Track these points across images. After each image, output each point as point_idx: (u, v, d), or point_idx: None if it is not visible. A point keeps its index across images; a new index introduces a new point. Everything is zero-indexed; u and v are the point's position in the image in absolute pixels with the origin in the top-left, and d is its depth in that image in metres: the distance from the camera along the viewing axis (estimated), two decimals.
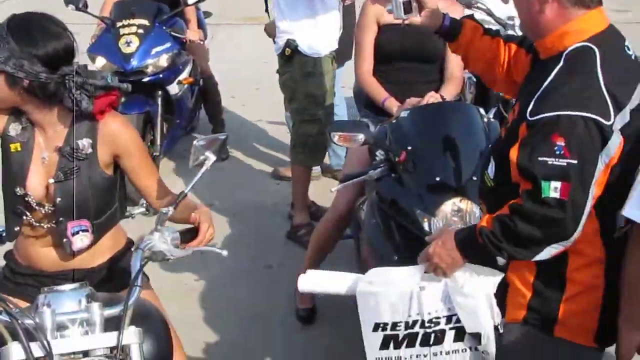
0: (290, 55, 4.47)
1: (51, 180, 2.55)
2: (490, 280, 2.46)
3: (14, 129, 2.57)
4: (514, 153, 2.22)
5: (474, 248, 2.38)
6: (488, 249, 2.31)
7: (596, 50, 2.19)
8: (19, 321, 2.01)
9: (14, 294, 2.56)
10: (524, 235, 2.21)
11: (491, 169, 2.48)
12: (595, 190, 2.16)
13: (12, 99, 2.49)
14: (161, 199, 2.71)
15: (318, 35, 4.31)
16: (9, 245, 2.83)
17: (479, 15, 4.98)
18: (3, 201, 2.68)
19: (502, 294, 2.40)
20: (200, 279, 4.29)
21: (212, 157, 2.51)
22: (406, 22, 2.80)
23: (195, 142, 2.51)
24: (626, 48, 2.32)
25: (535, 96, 2.21)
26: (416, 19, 2.75)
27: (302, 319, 3.99)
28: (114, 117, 2.66)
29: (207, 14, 6.33)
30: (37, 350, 2.01)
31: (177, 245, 2.35)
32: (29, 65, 2.40)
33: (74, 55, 2.49)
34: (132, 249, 2.60)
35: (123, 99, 5.07)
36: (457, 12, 3.93)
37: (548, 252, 2.24)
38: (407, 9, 2.72)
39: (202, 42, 5.88)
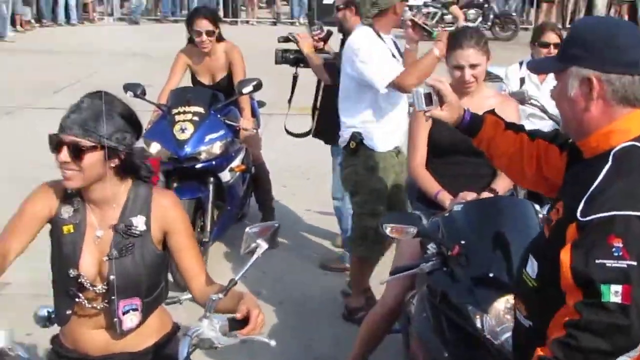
0: (355, 149, 4.60)
1: (105, 258, 2.56)
2: None
3: (66, 212, 2.60)
4: (565, 256, 2.16)
5: None
6: None
7: None
8: None
9: None
10: (589, 351, 2.13)
11: (531, 269, 2.44)
12: None
13: (99, 174, 2.53)
14: (201, 285, 2.72)
15: (383, 130, 4.44)
16: (55, 329, 2.80)
17: (532, 109, 5.20)
18: (53, 285, 2.68)
19: None
20: None
21: (264, 245, 2.54)
22: (427, 114, 2.87)
23: (247, 229, 2.56)
24: None
25: (585, 196, 2.18)
26: (437, 112, 2.82)
27: None
28: (166, 194, 2.77)
29: (261, 104, 6.49)
30: None
31: (225, 332, 2.34)
32: (130, 138, 2.51)
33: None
34: (179, 335, 2.65)
35: (175, 185, 5.29)
36: (511, 107, 4.24)
37: None
38: (428, 102, 2.80)
39: (255, 131, 6.03)
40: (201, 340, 2.36)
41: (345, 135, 4.72)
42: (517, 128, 2.81)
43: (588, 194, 2.17)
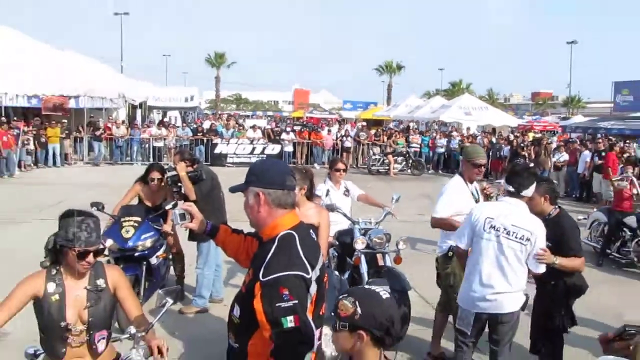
0: (450, 256, 5.54)
1: (85, 307, 3.10)
2: None
3: (51, 287, 3.09)
4: (257, 305, 2.63)
5: None
6: None
7: (295, 234, 2.77)
8: None
9: None
10: None
11: (236, 311, 2.90)
12: (309, 315, 2.67)
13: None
14: (137, 320, 3.23)
15: None
16: None
17: (337, 216, 6.39)
18: (45, 337, 3.12)
19: None
20: None
21: (170, 300, 3.22)
22: (182, 226, 3.33)
23: (159, 290, 3.23)
24: (311, 233, 2.93)
25: (263, 265, 2.69)
26: (190, 224, 3.28)
27: None
28: (112, 266, 3.38)
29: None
30: None
31: (147, 356, 2.92)
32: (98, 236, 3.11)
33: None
34: (120, 358, 3.10)
35: (121, 266, 5.96)
36: (324, 214, 5.46)
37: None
38: (182, 218, 3.23)
39: (172, 232, 7.42)
40: None
41: (444, 246, 5.69)
42: (239, 232, 3.31)
43: (264, 263, 2.68)
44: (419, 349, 6.18)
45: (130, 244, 6.55)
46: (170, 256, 7.50)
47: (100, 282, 3.14)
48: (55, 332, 3.07)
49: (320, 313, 2.92)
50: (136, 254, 6.60)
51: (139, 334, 2.92)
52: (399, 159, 24.88)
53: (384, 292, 2.29)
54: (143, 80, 34.90)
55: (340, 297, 2.44)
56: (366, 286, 2.30)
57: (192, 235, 7.02)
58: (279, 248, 2.72)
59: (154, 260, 6.89)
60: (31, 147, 22.81)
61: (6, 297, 3.05)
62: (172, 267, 7.80)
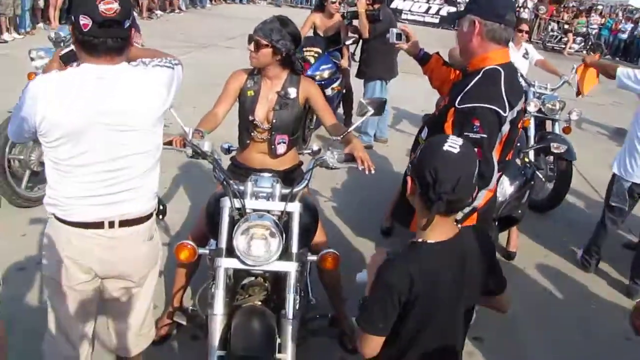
0: None
1: (274, 109, 3.18)
2: None
3: (250, 83, 3.23)
4: (448, 129, 2.60)
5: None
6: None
7: (502, 71, 2.66)
8: (232, 187, 2.59)
9: (234, 178, 2.90)
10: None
11: (424, 134, 2.96)
12: (495, 155, 2.60)
13: (269, 62, 3.13)
14: (331, 124, 3.25)
15: None
16: (227, 157, 3.44)
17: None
18: (238, 126, 3.31)
19: None
20: None
21: (371, 110, 2.99)
22: (397, 46, 3.43)
23: (361, 99, 3.06)
24: (519, 76, 2.88)
25: (462, 93, 2.63)
26: (404, 45, 3.39)
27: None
28: (309, 79, 3.35)
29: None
30: (238, 204, 2.58)
31: (340, 161, 2.78)
32: (290, 46, 3.09)
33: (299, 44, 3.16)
34: (311, 159, 2.97)
35: None
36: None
37: (481, 197, 2.66)
38: (398, 38, 3.37)
39: (348, 68, 7.49)
40: (322, 161, 2.79)
41: None
42: (448, 64, 3.32)
43: (464, 91, 2.63)
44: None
45: (309, 72, 6.64)
46: (344, 91, 7.56)
47: (292, 90, 3.15)
48: (244, 124, 3.25)
49: (507, 158, 2.84)
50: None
51: (334, 138, 2.91)
52: (578, 39, 22.78)
53: (458, 147, 1.84)
54: None
55: None
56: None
57: (361, 73, 7.15)
58: (482, 80, 2.63)
59: (328, 92, 6.97)
60: None
61: (222, 91, 3.28)
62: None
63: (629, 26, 23.99)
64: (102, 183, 2.21)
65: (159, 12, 18.28)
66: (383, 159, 7.04)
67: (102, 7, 2.01)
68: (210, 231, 2.93)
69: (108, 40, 2.07)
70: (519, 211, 4.07)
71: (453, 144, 1.85)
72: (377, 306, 1.88)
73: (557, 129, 6.19)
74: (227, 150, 3.51)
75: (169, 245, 4.40)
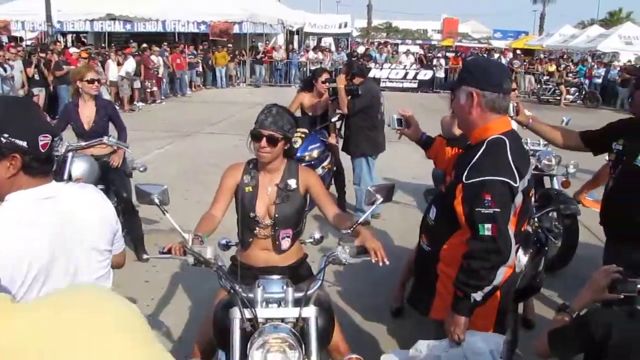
0: None
1: (273, 204, 3.06)
2: (493, 340, 2.57)
3: (247, 179, 3.12)
4: (458, 206, 2.55)
5: (459, 300, 2.58)
6: (466, 294, 2.52)
7: (506, 140, 2.58)
8: (240, 295, 2.46)
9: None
10: (477, 268, 2.47)
11: (432, 213, 2.86)
12: (511, 227, 2.52)
13: (278, 155, 3.04)
14: (333, 215, 3.06)
15: None
16: (230, 253, 3.34)
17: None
18: (239, 225, 3.14)
19: None
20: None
21: (380, 198, 2.94)
22: (398, 132, 3.32)
23: (369, 187, 3.00)
24: (524, 143, 2.92)
25: (468, 167, 2.56)
26: (406, 131, 3.27)
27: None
28: (307, 168, 3.30)
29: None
30: (249, 314, 2.42)
31: (353, 255, 2.64)
32: (293, 131, 3.04)
33: None
34: (321, 257, 2.81)
35: None
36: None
37: (501, 274, 2.53)
38: (399, 124, 3.27)
39: (337, 145, 7.40)
40: (335, 258, 2.67)
41: None
42: (450, 144, 3.22)
43: (470, 165, 2.55)
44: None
45: (298, 154, 6.55)
46: (334, 168, 7.50)
47: (292, 182, 3.06)
48: (245, 222, 3.09)
49: (522, 229, 2.72)
50: (303, 164, 6.44)
51: (345, 232, 2.74)
52: (572, 89, 23.18)
53: None
54: (298, 9, 35.30)
55: None
56: None
57: (346, 150, 7.07)
58: (487, 151, 2.55)
59: (319, 171, 6.91)
60: (200, 69, 23.90)
61: (218, 190, 3.14)
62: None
63: (602, 70, 24.56)
64: None
65: (140, 104, 18.39)
66: (382, 234, 6.87)
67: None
68: (219, 342, 2.75)
69: None
70: (537, 280, 3.92)
71: None
72: None
73: (556, 184, 6.09)
74: (226, 246, 3.35)
75: (171, 352, 4.13)
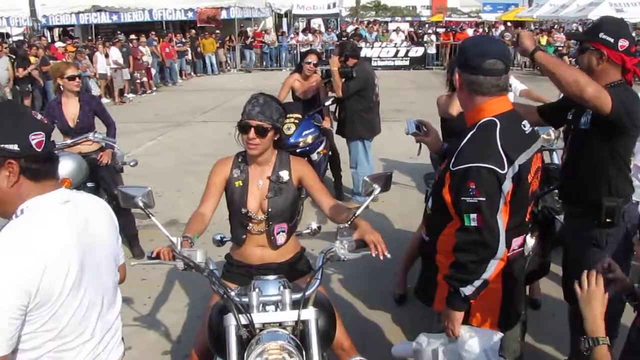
0: None
1: (266, 197, 2.94)
2: (489, 337, 2.51)
3: (236, 173, 2.99)
4: (447, 195, 2.47)
5: (451, 295, 2.51)
6: (457, 288, 2.46)
7: (498, 123, 2.42)
8: (234, 301, 2.36)
9: (230, 280, 2.91)
10: (465, 262, 2.40)
11: (430, 202, 2.81)
12: (503, 217, 2.37)
13: (267, 147, 2.91)
14: (329, 207, 2.93)
15: None
16: (225, 249, 3.25)
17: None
18: (230, 221, 3.07)
19: None
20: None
21: (378, 188, 2.81)
22: (417, 139, 3.17)
23: (365, 177, 2.86)
24: (522, 124, 2.53)
25: (456, 152, 2.47)
26: (424, 138, 3.11)
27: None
28: (298, 159, 3.13)
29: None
30: (245, 320, 2.33)
31: (351, 250, 2.53)
32: (282, 120, 2.92)
33: None
34: (319, 253, 2.69)
35: None
36: None
37: (491, 267, 2.41)
38: (417, 129, 3.12)
39: (331, 129, 7.26)
40: (332, 255, 2.55)
41: None
42: None
43: (457, 151, 2.46)
44: None
45: (292, 140, 6.45)
46: (330, 153, 7.34)
47: (284, 173, 2.93)
48: (237, 218, 2.98)
49: (526, 219, 2.58)
50: (298, 150, 6.44)
51: (342, 226, 2.59)
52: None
53: None
54: None
55: None
56: None
57: (341, 133, 6.95)
58: (475, 135, 2.43)
59: (314, 157, 6.81)
60: (189, 57, 23.61)
61: (206, 187, 3.00)
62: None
63: None
64: None
65: (130, 96, 18.18)
66: (381, 217, 6.73)
67: None
68: (216, 349, 2.61)
69: None
70: (546, 260, 3.78)
71: None
72: None
73: (556, 159, 5.93)
74: (221, 242, 3.26)
75: (170, 352, 4.11)
